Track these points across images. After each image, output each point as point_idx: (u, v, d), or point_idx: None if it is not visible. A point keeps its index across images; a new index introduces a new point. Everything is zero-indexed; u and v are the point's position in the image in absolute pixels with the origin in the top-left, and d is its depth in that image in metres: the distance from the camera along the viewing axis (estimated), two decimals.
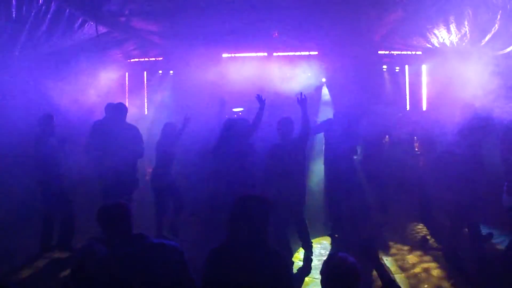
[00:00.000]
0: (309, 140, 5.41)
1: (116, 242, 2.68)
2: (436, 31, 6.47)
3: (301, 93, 5.19)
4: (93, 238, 3.00)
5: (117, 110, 5.91)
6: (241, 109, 9.07)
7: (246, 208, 2.59)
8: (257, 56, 9.46)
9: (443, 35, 6.48)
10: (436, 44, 7.07)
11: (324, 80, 9.53)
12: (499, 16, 5.18)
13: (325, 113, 8.54)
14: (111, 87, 8.30)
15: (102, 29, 6.27)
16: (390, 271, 5.09)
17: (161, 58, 9.81)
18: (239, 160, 5.08)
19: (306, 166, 5.67)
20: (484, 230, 5.71)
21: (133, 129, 5.92)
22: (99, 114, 7.05)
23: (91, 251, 2.75)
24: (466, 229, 5.46)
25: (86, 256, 2.72)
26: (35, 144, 5.60)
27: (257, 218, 2.56)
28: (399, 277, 4.94)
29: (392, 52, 9.32)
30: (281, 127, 5.26)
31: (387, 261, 5.48)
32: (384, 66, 9.84)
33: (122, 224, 2.71)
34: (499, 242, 5.67)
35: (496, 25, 5.41)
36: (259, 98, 5.32)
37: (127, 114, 5.99)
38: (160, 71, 10.17)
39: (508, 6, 4.91)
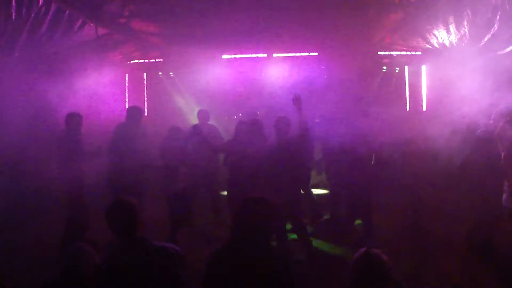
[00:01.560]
0: (307, 139, 5.35)
1: (118, 243, 2.65)
2: (435, 32, 6.48)
3: (294, 94, 5.14)
4: (78, 242, 2.93)
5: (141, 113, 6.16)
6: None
7: (251, 210, 2.57)
8: (257, 58, 9.48)
9: (443, 36, 6.49)
10: (436, 45, 7.08)
11: None
12: (498, 17, 5.19)
13: None
14: (111, 89, 8.28)
15: (102, 31, 6.28)
16: None
17: (161, 60, 9.82)
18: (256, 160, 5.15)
19: (306, 165, 5.60)
20: None
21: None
22: (99, 116, 7.05)
23: (81, 255, 2.71)
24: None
25: (76, 261, 2.69)
26: (60, 142, 5.61)
27: (261, 220, 2.54)
28: None
29: (392, 52, 9.33)
30: (278, 126, 5.23)
31: None
32: (384, 67, 9.86)
33: (126, 222, 2.64)
34: None
35: (496, 26, 5.41)
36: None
37: None
38: (160, 73, 10.17)
39: (508, 6, 4.91)
